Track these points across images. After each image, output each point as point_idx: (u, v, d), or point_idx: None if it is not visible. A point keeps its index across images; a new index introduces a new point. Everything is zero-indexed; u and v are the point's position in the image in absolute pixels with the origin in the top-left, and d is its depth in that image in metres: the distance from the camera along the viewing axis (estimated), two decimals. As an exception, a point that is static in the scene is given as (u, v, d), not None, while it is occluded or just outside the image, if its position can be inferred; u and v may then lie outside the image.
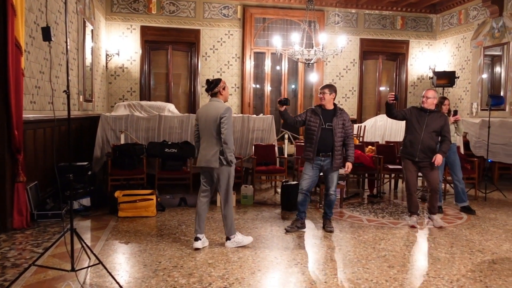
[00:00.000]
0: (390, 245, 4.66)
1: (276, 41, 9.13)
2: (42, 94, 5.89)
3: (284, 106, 5.02)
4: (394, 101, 5.23)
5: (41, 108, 5.89)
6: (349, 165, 5.23)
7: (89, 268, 3.69)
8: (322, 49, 8.73)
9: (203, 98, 11.11)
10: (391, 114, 5.42)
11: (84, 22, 8.19)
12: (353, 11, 11.62)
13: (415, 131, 5.34)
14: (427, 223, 5.57)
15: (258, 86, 11.59)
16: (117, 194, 5.71)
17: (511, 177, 8.70)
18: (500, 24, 9.74)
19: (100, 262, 3.44)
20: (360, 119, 11.74)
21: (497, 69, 10.26)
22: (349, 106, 11.76)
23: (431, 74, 11.55)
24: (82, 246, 3.65)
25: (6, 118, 4.68)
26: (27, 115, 5.28)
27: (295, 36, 8.95)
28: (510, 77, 9.57)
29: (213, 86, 4.47)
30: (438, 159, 5.23)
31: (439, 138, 5.37)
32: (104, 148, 7.15)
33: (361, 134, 9.72)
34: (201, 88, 11.11)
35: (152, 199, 5.67)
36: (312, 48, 9.12)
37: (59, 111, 6.78)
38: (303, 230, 5.19)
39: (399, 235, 5.06)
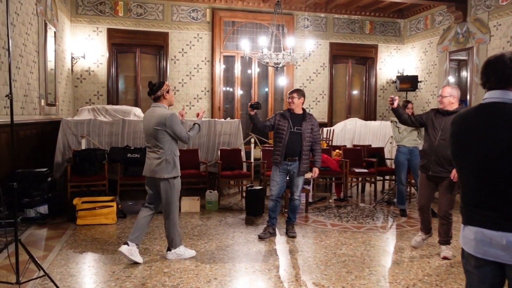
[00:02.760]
0: (351, 250, 4.64)
1: (244, 45, 9.08)
2: (-5, 98, 5.68)
3: (255, 110, 4.95)
4: (392, 105, 4.52)
5: (-5, 113, 5.68)
6: (316, 171, 5.21)
7: (37, 280, 3.53)
8: (290, 53, 8.72)
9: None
10: (401, 120, 4.69)
11: (46, 24, 7.96)
12: (322, 15, 11.68)
13: (429, 138, 4.44)
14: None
15: (229, 89, 11.52)
16: (75, 201, 5.54)
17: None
18: (464, 29, 9.94)
19: (46, 274, 3.30)
20: (330, 122, 11.78)
21: (464, 73, 10.45)
22: (320, 110, 11.80)
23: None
24: (30, 257, 3.49)
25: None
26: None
27: (263, 40, 8.91)
28: (474, 81, 9.77)
29: (156, 89, 4.12)
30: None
31: None
32: (65, 154, 6.94)
33: (330, 138, 9.74)
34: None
35: (112, 206, 5.52)
36: (281, 52, 9.10)
37: (17, 115, 6.56)
38: (275, 235, 5.14)
39: (361, 240, 5.05)
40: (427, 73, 11.18)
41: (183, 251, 4.30)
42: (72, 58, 10.31)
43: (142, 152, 6.58)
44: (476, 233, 1.85)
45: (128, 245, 4.09)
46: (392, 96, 4.58)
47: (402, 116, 4.63)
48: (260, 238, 5.03)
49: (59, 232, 5.13)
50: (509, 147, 1.74)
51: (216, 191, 6.50)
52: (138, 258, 4.13)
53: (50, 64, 8.44)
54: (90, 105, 10.19)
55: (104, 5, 10.47)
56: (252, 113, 4.92)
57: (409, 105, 6.14)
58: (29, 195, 5.70)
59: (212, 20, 11.07)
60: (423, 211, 4.65)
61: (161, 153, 4.12)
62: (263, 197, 6.24)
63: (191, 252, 4.35)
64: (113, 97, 10.78)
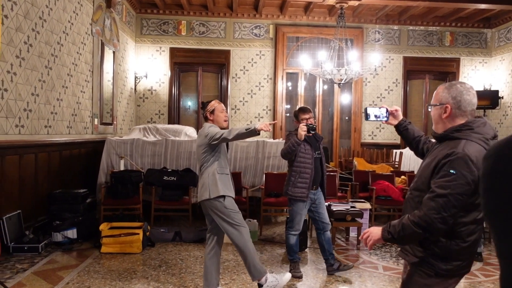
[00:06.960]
0: (397, 306, 3.76)
1: (304, 60, 8.48)
2: (34, 118, 5.62)
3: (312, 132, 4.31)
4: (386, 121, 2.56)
5: (33, 132, 5.61)
6: None
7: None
8: (353, 68, 7.94)
9: (232, 121, 10.59)
10: (409, 145, 2.55)
11: (103, 44, 8.00)
12: (396, 27, 10.68)
13: None
14: None
15: (292, 108, 10.90)
16: (102, 226, 5.22)
17: None
18: None
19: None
20: (404, 144, 10.63)
21: None
22: (392, 130, 10.71)
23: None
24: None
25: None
26: (10, 139, 5.01)
27: (322, 55, 8.24)
28: None
29: (203, 109, 3.88)
30: None
31: None
32: (108, 174, 6.76)
33: (397, 161, 8.69)
34: (230, 110, 10.62)
35: (138, 234, 5.12)
36: (343, 67, 8.34)
37: (62, 134, 6.53)
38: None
39: (415, 291, 4.10)
40: (520, 89, 9.68)
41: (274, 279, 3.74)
42: (136, 77, 10.39)
43: (179, 175, 6.18)
44: None
45: None
46: (377, 106, 2.54)
47: (407, 139, 2.50)
48: (297, 277, 4.34)
49: (79, 260, 4.80)
50: None
51: (255, 220, 5.87)
52: None
53: (108, 84, 8.49)
54: (151, 123, 10.16)
55: (167, 24, 10.48)
56: (310, 135, 4.27)
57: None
58: (61, 218, 5.51)
59: (275, 36, 10.60)
60: None
61: (203, 172, 3.78)
62: (305, 230, 5.49)
63: (287, 275, 3.87)
64: (174, 116, 10.68)
